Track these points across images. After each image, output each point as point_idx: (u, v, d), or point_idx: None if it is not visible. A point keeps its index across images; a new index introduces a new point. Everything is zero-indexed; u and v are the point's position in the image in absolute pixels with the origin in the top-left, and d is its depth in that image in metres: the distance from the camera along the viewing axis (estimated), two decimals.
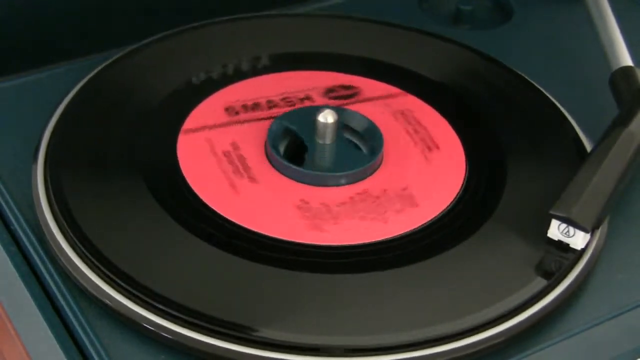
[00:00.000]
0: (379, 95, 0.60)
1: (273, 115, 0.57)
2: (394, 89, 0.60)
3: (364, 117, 0.57)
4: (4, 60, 0.63)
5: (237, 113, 0.57)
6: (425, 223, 0.52)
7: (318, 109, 0.55)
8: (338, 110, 0.56)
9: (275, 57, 0.62)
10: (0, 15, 0.63)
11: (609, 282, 0.51)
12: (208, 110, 0.57)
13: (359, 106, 0.59)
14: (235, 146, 0.55)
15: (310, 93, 0.59)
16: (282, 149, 0.56)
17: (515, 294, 0.48)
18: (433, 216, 0.52)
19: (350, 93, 0.60)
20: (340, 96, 0.59)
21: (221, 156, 0.54)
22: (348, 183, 0.54)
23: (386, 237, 0.51)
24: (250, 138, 0.56)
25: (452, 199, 0.54)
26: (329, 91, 0.59)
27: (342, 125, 0.56)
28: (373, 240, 0.51)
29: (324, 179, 0.54)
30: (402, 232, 0.51)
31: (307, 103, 0.58)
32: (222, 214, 0.51)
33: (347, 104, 0.59)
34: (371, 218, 0.52)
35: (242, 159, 0.54)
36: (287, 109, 0.57)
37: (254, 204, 0.52)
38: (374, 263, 0.50)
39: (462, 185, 0.55)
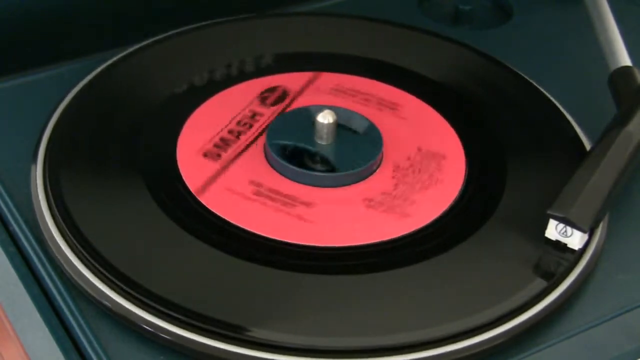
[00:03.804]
0: (303, 85, 0.60)
1: (248, 143, 0.56)
2: (308, 74, 0.60)
3: (341, 108, 0.57)
4: (4, 60, 0.63)
5: (219, 156, 0.55)
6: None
7: (299, 112, 0.56)
8: (310, 109, 0.56)
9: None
10: (1, 15, 0.63)
11: (609, 283, 0.51)
12: (192, 162, 0.55)
13: (296, 104, 0.59)
14: (256, 184, 0.54)
15: (252, 107, 0.59)
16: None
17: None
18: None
19: (279, 94, 0.60)
20: (275, 101, 0.59)
21: (257, 198, 0.53)
22: (378, 168, 0.55)
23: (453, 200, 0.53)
24: (256, 170, 0.55)
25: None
26: (263, 99, 0.59)
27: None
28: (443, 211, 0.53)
29: (362, 173, 0.54)
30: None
31: (258, 119, 0.58)
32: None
33: (287, 105, 0.59)
34: (429, 185, 0.54)
35: (276, 192, 0.53)
36: (252, 133, 0.57)
37: (330, 222, 0.52)
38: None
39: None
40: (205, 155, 0.55)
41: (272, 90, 0.60)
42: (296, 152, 0.55)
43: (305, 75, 0.61)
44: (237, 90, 0.60)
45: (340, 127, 0.56)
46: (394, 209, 0.53)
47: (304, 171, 0.54)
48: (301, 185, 0.54)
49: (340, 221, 0.52)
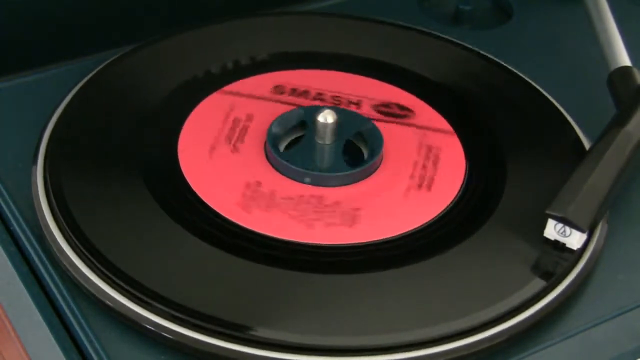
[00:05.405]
0: (424, 125, 0.59)
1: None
2: (446, 126, 0.59)
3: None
4: (4, 60, 0.63)
5: (282, 93, 0.59)
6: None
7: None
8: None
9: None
10: (1, 15, 0.63)
11: (609, 283, 0.51)
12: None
13: (404, 127, 0.58)
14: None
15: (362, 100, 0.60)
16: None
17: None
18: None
19: (403, 114, 0.59)
20: (392, 114, 0.59)
21: (229, 122, 0.56)
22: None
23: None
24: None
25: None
26: (384, 106, 0.59)
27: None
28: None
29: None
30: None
31: (353, 108, 0.59)
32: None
33: (395, 122, 0.58)
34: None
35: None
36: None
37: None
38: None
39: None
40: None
41: (402, 107, 0.60)
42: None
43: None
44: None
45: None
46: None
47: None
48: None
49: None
